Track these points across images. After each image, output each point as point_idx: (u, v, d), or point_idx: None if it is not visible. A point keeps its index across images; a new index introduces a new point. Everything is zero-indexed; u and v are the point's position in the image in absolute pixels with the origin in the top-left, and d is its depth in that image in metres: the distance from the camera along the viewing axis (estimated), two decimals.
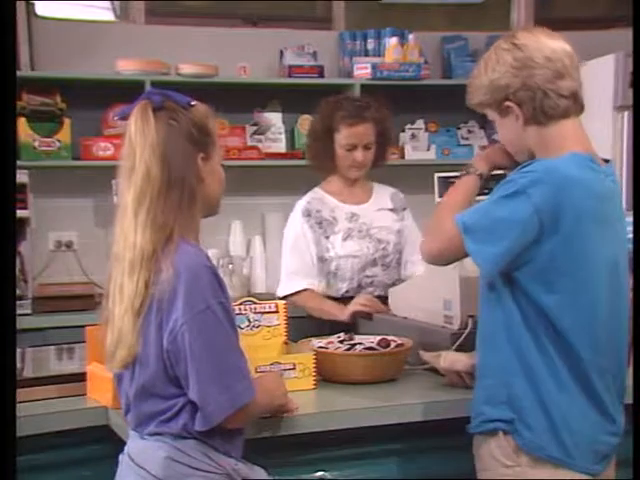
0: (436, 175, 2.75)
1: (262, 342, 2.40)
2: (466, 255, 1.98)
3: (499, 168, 2.15)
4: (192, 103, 1.91)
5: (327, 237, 3.19)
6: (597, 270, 1.94)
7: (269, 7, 4.97)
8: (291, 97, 4.58)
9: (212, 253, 4.18)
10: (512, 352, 1.94)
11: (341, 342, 2.49)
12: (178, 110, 1.88)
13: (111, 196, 3.93)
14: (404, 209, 3.34)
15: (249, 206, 4.58)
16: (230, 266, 4.34)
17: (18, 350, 2.51)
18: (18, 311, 3.27)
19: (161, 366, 1.80)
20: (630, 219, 2.31)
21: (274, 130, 4.60)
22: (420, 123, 4.78)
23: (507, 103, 1.98)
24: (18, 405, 1.86)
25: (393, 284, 3.19)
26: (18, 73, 3.72)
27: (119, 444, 1.98)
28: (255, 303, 2.41)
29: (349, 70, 4.69)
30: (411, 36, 4.66)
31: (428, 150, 4.73)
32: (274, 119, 4.61)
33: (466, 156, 4.67)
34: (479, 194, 2.70)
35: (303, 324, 3.16)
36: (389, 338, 2.45)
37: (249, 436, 1.95)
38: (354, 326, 2.91)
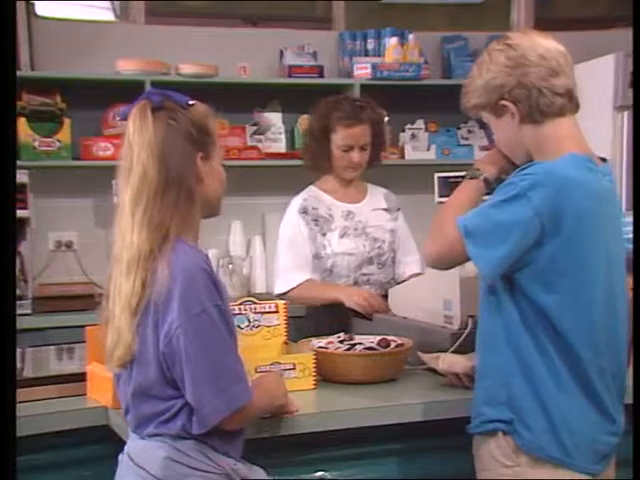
0: (436, 175, 2.74)
1: (262, 342, 2.40)
2: (468, 259, 1.98)
3: (506, 172, 2.11)
4: (191, 103, 1.91)
5: (324, 234, 3.20)
6: (596, 270, 1.94)
7: (269, 7, 4.97)
8: (291, 97, 4.58)
9: (212, 253, 4.18)
10: (511, 353, 1.94)
11: (341, 342, 2.49)
12: (177, 110, 1.88)
13: (111, 196, 3.93)
14: (397, 209, 3.37)
15: (249, 206, 4.58)
16: (230, 266, 4.34)
17: (18, 350, 2.51)
18: (18, 311, 3.26)
19: (158, 368, 1.80)
20: (630, 219, 2.31)
21: (274, 130, 4.60)
22: (420, 123, 4.78)
23: (502, 102, 1.98)
24: (18, 405, 1.86)
25: (389, 283, 3.22)
26: (18, 73, 3.72)
27: (119, 444, 1.98)
28: (255, 303, 2.41)
29: (349, 70, 4.69)
30: (411, 36, 4.66)
31: (428, 150, 4.73)
32: (274, 119, 4.61)
33: (466, 156, 4.69)
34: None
35: (303, 324, 3.17)
36: (389, 338, 2.45)
37: (249, 436, 1.95)
38: (351, 324, 2.92)
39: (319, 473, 2.18)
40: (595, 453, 1.96)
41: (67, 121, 4.12)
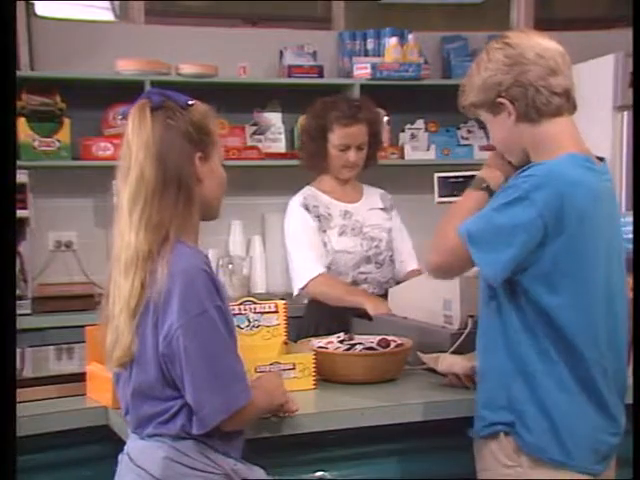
0: (436, 175, 2.75)
1: (262, 342, 2.40)
2: (471, 266, 1.97)
3: (509, 175, 2.07)
4: (191, 103, 1.90)
5: (324, 231, 3.21)
6: (597, 270, 1.94)
7: (269, 7, 4.97)
8: (291, 97, 4.58)
9: (212, 253, 4.18)
10: (511, 355, 1.94)
11: (341, 342, 2.49)
12: (176, 110, 1.87)
13: (111, 196, 3.93)
14: (393, 209, 3.37)
15: (249, 206, 4.58)
16: (230, 266, 4.34)
17: (18, 350, 2.52)
18: (18, 311, 3.26)
19: (158, 368, 1.80)
20: (630, 219, 2.31)
21: (274, 130, 4.60)
22: (420, 123, 4.78)
23: (499, 99, 1.98)
24: (18, 405, 1.85)
25: (387, 282, 3.22)
26: (18, 73, 3.73)
27: (119, 444, 1.98)
28: (255, 303, 2.41)
29: (349, 70, 4.69)
30: (411, 36, 4.65)
31: (428, 150, 4.73)
32: (274, 119, 4.61)
33: (466, 156, 4.69)
34: None
35: (303, 324, 3.16)
36: (389, 338, 2.45)
37: (249, 436, 1.95)
38: (351, 324, 2.91)
39: (319, 473, 2.18)
40: (596, 453, 1.96)
41: (67, 121, 4.12)
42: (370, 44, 4.75)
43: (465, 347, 2.33)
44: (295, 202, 3.26)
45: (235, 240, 4.56)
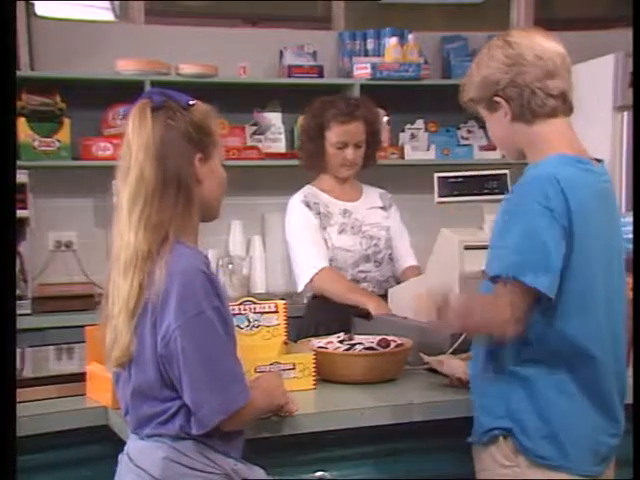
0: (436, 175, 2.75)
1: (262, 342, 2.40)
2: (532, 306, 1.88)
3: None
4: (192, 103, 1.90)
5: (324, 228, 3.22)
6: (598, 270, 1.94)
7: (269, 7, 4.97)
8: (291, 97, 4.58)
9: (212, 253, 4.18)
10: (509, 359, 1.94)
11: (341, 342, 2.49)
12: (177, 110, 1.87)
13: (111, 196, 3.93)
14: (392, 206, 3.38)
15: (249, 206, 4.58)
16: (230, 266, 4.34)
17: (18, 350, 2.51)
18: (18, 311, 3.25)
19: (156, 369, 1.80)
20: (630, 219, 2.31)
21: (274, 130, 4.60)
22: (420, 123, 4.78)
23: (496, 98, 1.99)
24: (18, 405, 1.86)
25: (386, 281, 3.23)
26: (18, 73, 3.72)
27: (119, 444, 1.98)
28: (255, 303, 2.41)
29: (349, 70, 4.69)
30: (411, 36, 4.65)
31: (428, 150, 4.73)
32: (274, 119, 4.61)
33: (466, 156, 4.69)
34: (478, 194, 2.71)
35: (303, 324, 3.16)
36: (389, 338, 2.45)
37: (249, 436, 1.95)
38: (351, 324, 2.91)
39: (319, 473, 2.18)
40: (596, 455, 1.96)
41: (67, 121, 4.12)
42: (370, 44, 4.75)
43: (465, 347, 2.32)
44: (296, 199, 3.27)
45: (235, 240, 4.56)
